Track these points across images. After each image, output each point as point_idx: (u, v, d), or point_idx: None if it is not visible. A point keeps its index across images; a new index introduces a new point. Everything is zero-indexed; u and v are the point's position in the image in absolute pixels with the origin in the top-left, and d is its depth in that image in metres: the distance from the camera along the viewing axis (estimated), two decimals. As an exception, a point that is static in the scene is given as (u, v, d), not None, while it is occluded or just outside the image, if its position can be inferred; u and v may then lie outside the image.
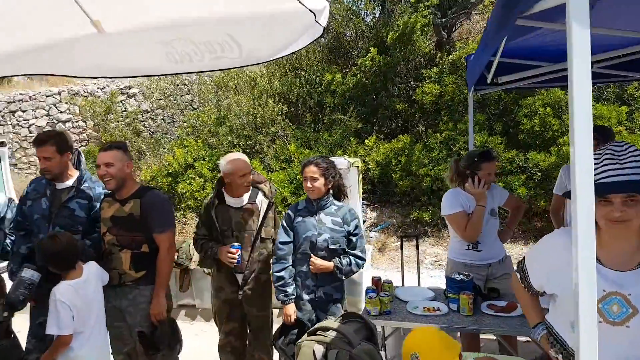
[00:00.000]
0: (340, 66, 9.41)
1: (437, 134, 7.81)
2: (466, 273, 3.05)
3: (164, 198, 3.08)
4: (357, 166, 6.69)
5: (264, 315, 3.25)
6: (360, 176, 7.04)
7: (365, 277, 4.58)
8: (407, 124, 8.79)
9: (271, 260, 3.11)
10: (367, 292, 2.99)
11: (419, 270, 4.27)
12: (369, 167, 7.86)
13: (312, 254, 2.95)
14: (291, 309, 2.94)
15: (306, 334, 2.27)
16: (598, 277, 1.29)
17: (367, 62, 8.58)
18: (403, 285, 4.17)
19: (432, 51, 9.04)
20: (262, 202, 3.19)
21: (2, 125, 11.57)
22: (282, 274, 2.94)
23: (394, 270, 6.22)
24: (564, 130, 7.16)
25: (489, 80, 2.96)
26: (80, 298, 2.54)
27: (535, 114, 7.45)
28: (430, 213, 7.22)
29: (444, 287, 3.23)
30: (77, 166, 3.14)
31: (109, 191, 2.99)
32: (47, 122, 11.58)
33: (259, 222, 3.14)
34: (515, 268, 2.13)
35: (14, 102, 11.62)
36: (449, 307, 2.98)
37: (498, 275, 3.29)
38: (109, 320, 2.93)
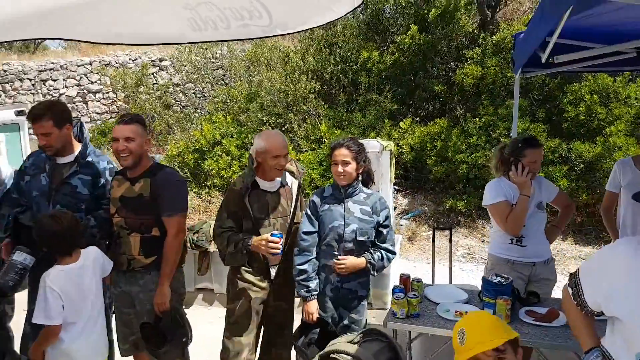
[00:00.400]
0: (377, 44, 9.01)
1: (477, 119, 7.39)
2: (505, 275, 2.79)
3: (177, 178, 2.80)
4: (390, 150, 6.41)
5: (290, 309, 2.99)
6: (393, 160, 6.77)
7: (393, 269, 4.35)
8: (445, 107, 8.38)
9: (294, 252, 2.84)
10: (394, 292, 2.75)
11: (452, 265, 4.01)
12: (403, 151, 7.54)
13: (337, 249, 2.73)
14: (313, 306, 2.72)
15: (317, 357, 2.02)
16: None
17: (406, 40, 8.17)
18: (433, 281, 3.94)
19: (475, 31, 8.55)
20: (292, 183, 2.91)
21: (33, 94, 11.68)
22: (305, 267, 2.71)
23: (423, 261, 5.96)
24: (611, 119, 6.74)
25: (544, 60, 2.63)
26: (73, 286, 2.31)
27: (581, 102, 6.99)
28: (465, 202, 6.86)
29: (476, 282, 2.98)
30: (80, 138, 2.88)
31: (116, 167, 2.80)
32: (78, 92, 11.64)
33: (292, 206, 2.87)
34: (567, 282, 1.85)
35: (45, 70, 11.68)
36: (483, 312, 2.72)
37: (541, 277, 3.04)
38: (118, 306, 2.78)
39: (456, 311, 2.74)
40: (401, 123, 7.81)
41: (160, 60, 11.53)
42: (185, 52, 10.18)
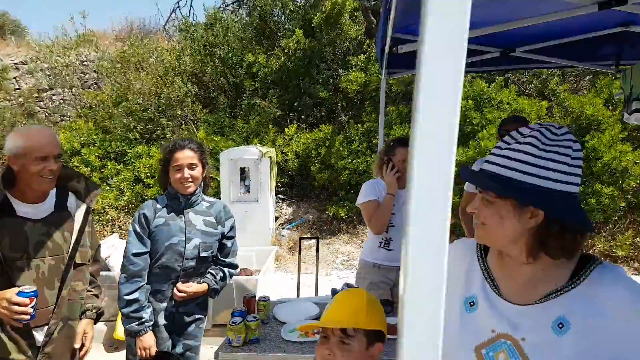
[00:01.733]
0: (265, 48, 8.70)
1: (359, 125, 7.35)
2: (356, 286, 2.56)
3: None
4: (270, 157, 6.06)
5: None
6: (275, 168, 6.41)
7: (265, 284, 3.96)
8: (333, 113, 8.27)
9: (119, 279, 2.34)
10: (232, 316, 2.35)
11: (318, 277, 3.71)
12: (288, 158, 7.25)
13: (177, 270, 2.32)
14: (149, 339, 2.27)
15: None
16: (488, 311, 1.02)
17: (291, 44, 7.94)
18: (298, 295, 3.60)
19: (360, 37, 8.54)
20: (75, 208, 2.06)
21: None
22: (135, 295, 2.24)
23: (306, 272, 5.65)
24: (484, 124, 7.02)
25: (386, 51, 2.42)
26: None
27: (456, 107, 7.18)
28: (347, 209, 6.73)
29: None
30: None
31: None
32: None
33: (73, 241, 2.01)
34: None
35: None
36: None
37: None
38: None
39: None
40: (287, 129, 7.54)
41: (24, 63, 10.27)
42: (52, 54, 9.12)
